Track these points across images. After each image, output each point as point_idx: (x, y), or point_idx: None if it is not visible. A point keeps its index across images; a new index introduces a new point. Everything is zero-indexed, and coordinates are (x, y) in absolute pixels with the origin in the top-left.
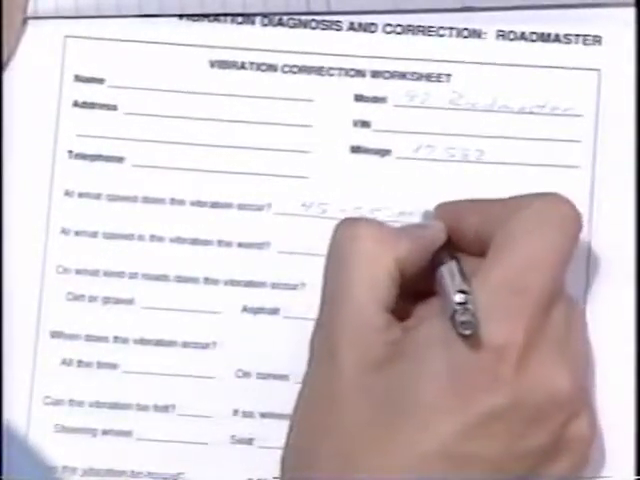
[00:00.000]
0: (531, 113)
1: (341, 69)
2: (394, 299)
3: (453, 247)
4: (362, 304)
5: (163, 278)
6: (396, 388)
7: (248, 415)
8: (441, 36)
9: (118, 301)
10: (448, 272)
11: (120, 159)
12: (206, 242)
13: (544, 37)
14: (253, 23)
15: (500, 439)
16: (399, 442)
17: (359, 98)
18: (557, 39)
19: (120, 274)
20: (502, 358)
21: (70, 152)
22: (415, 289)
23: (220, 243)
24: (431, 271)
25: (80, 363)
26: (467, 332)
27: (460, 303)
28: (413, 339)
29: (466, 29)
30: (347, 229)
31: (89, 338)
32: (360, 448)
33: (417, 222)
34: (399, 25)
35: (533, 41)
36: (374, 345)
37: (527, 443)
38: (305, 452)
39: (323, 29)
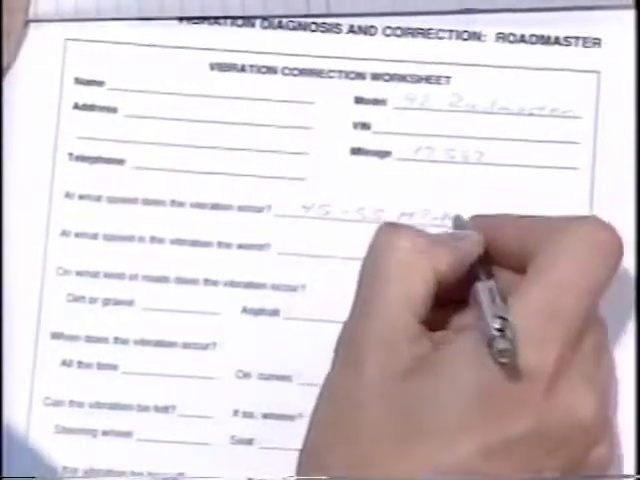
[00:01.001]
0: (531, 115)
1: (341, 71)
2: (428, 310)
3: (490, 261)
4: (396, 313)
5: (163, 279)
6: (420, 401)
7: (248, 416)
8: (441, 38)
9: (118, 302)
10: (487, 292)
11: (120, 161)
12: (206, 244)
13: (544, 39)
14: (253, 26)
15: (519, 462)
16: (415, 456)
17: (359, 100)
18: (557, 41)
19: (120, 275)
20: (532, 384)
21: (70, 154)
22: (448, 299)
23: (220, 244)
24: (465, 282)
25: (80, 364)
26: (504, 360)
27: (498, 329)
28: (444, 354)
29: (466, 31)
30: (386, 236)
31: (89, 339)
32: (375, 458)
33: (453, 231)
34: (399, 28)
35: (533, 43)
36: (403, 355)
37: (545, 467)
38: (319, 456)
39: (323, 32)
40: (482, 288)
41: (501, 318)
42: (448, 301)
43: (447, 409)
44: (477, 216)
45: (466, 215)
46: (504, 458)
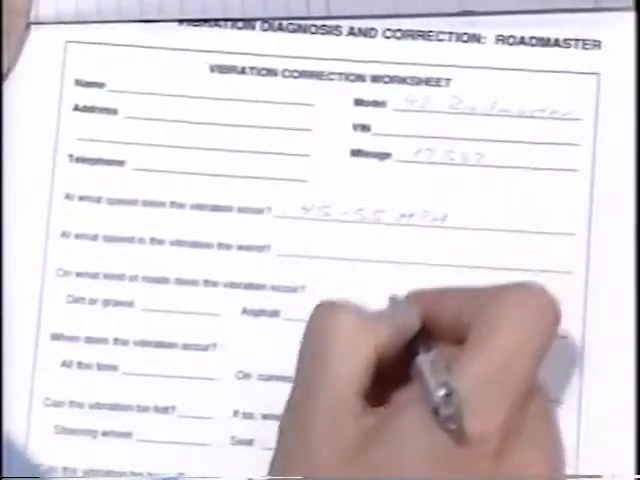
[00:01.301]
0: (531, 117)
1: (341, 74)
2: (370, 385)
3: (428, 334)
4: (340, 391)
5: (163, 280)
6: (374, 476)
7: (248, 416)
8: (440, 41)
9: (118, 303)
10: (428, 363)
11: (120, 163)
12: (206, 245)
13: (543, 41)
14: (253, 28)
15: None
16: None
17: (359, 102)
18: (556, 43)
19: (120, 277)
20: (481, 449)
21: (71, 156)
22: (388, 374)
23: (220, 246)
24: (406, 358)
25: (80, 365)
26: (452, 426)
27: (444, 397)
28: (390, 427)
29: (466, 34)
30: (325, 313)
31: (89, 340)
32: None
33: (391, 307)
34: (399, 30)
35: (532, 45)
36: (349, 431)
37: None
38: None
39: (323, 34)
40: (423, 360)
41: (444, 385)
42: (389, 377)
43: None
44: (415, 290)
45: (465, 214)
46: None
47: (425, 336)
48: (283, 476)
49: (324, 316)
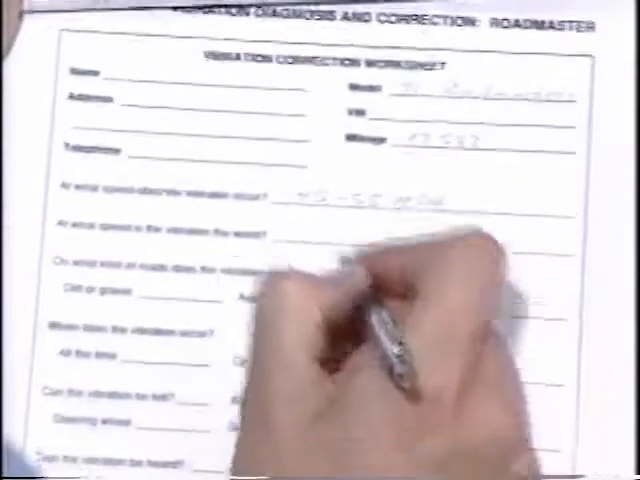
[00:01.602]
0: (526, 100)
1: (335, 58)
2: (323, 350)
3: (378, 291)
4: (293, 359)
5: (160, 268)
6: (336, 443)
7: None
8: (435, 24)
9: (116, 291)
10: (380, 322)
11: (116, 151)
12: (203, 232)
13: (538, 24)
14: (247, 14)
15: None
16: None
17: (354, 87)
18: (551, 26)
19: (117, 264)
20: (440, 404)
21: (66, 144)
22: (343, 337)
23: (217, 232)
24: (359, 320)
25: (78, 353)
26: (406, 384)
27: (397, 355)
28: (349, 391)
29: (460, 17)
30: (270, 284)
31: (87, 328)
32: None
33: (340, 270)
34: (393, 14)
35: (527, 28)
36: (310, 399)
37: None
38: None
39: (317, 19)
40: (375, 319)
41: (397, 343)
42: (347, 342)
43: (364, 446)
44: (361, 250)
45: (461, 198)
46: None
47: (376, 296)
48: (248, 453)
49: (267, 287)
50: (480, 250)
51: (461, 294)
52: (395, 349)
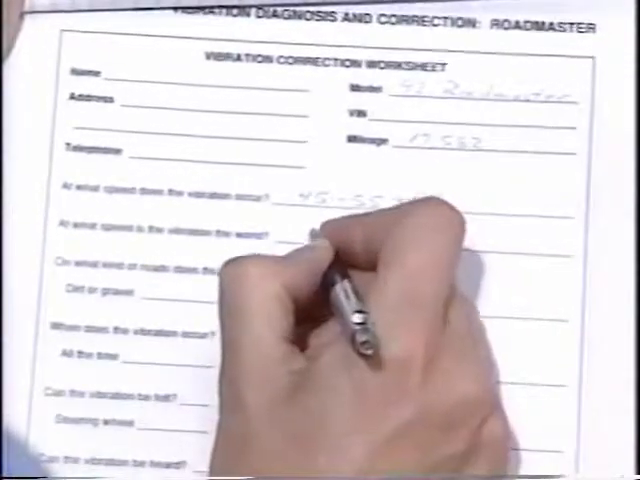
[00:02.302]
0: (527, 101)
1: (336, 59)
2: (291, 328)
3: (343, 265)
4: (259, 339)
5: (162, 269)
6: (306, 419)
7: None
8: (435, 25)
9: (118, 292)
10: (342, 293)
11: (117, 151)
12: (205, 232)
13: (538, 25)
14: (248, 15)
15: (414, 452)
16: (314, 472)
17: (355, 88)
18: (551, 27)
19: (119, 265)
20: (406, 372)
21: (68, 144)
22: (313, 313)
23: (218, 233)
24: (325, 293)
25: (81, 354)
26: (368, 352)
27: (358, 323)
28: (316, 367)
29: (460, 18)
30: (230, 268)
31: (89, 329)
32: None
33: (304, 245)
34: (393, 15)
35: (527, 29)
36: (277, 378)
37: (441, 452)
38: None
39: (318, 20)
40: (338, 290)
41: (359, 312)
42: (315, 316)
43: (331, 419)
44: (324, 223)
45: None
46: (398, 450)
47: (339, 267)
48: (223, 433)
49: (229, 270)
50: (437, 215)
51: (420, 258)
52: (355, 318)
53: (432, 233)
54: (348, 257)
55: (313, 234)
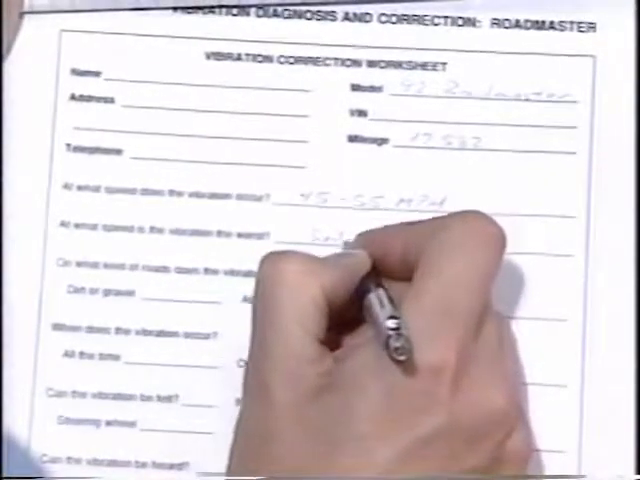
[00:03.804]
0: (527, 100)
1: (337, 59)
2: (324, 330)
3: (379, 274)
4: (291, 337)
5: (163, 269)
6: (332, 419)
7: None
8: (436, 25)
9: (119, 293)
10: (377, 300)
11: (118, 151)
12: (206, 233)
13: (539, 24)
14: (248, 14)
15: (438, 460)
16: (335, 472)
17: (355, 88)
18: (552, 26)
19: (120, 266)
20: (437, 380)
21: (68, 145)
22: (344, 319)
23: (219, 234)
24: (359, 300)
25: (82, 355)
26: (402, 358)
27: (393, 329)
28: (346, 368)
29: (461, 17)
30: (271, 263)
31: (91, 330)
32: (302, 476)
33: (342, 251)
34: (394, 14)
35: (528, 28)
36: (306, 377)
37: (465, 463)
38: None
39: (318, 19)
40: (373, 297)
41: (393, 317)
42: (347, 323)
43: (358, 421)
44: (362, 233)
45: (463, 199)
46: (422, 458)
47: (376, 277)
48: (246, 430)
49: (269, 265)
50: (475, 229)
51: (456, 269)
52: (390, 323)
53: (469, 246)
54: (384, 267)
55: (348, 244)
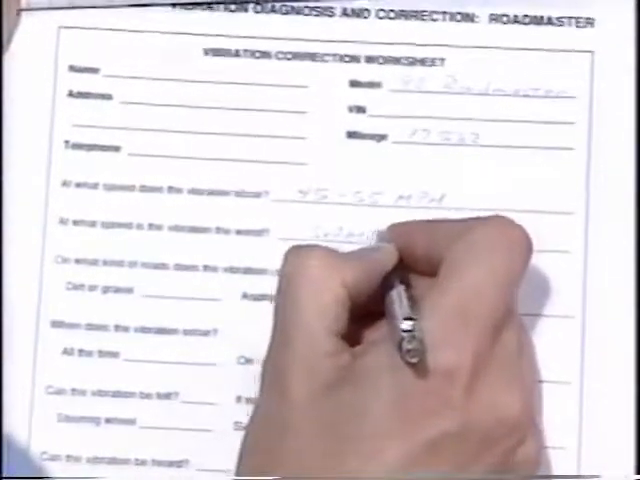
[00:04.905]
0: (525, 96)
1: (335, 55)
2: (344, 324)
3: (405, 269)
4: (311, 330)
5: (162, 266)
6: (345, 415)
7: (251, 402)
8: (434, 20)
9: (118, 290)
10: (396, 297)
11: (116, 148)
12: (204, 230)
13: (537, 20)
14: (246, 10)
15: (447, 464)
16: (344, 470)
17: (354, 84)
18: (550, 22)
19: (119, 263)
20: (451, 383)
21: (66, 142)
22: (369, 311)
23: (218, 230)
24: (383, 294)
25: (81, 352)
26: (413, 360)
27: (407, 330)
28: (361, 365)
29: (459, 13)
30: (294, 258)
31: (90, 327)
32: (308, 477)
33: (370, 245)
34: (392, 10)
35: (526, 24)
36: (323, 370)
37: (474, 467)
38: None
39: (316, 15)
40: (393, 295)
41: (409, 319)
42: (370, 316)
43: (368, 419)
44: (392, 225)
45: (462, 195)
46: (432, 460)
47: (401, 271)
48: (260, 421)
49: (292, 259)
50: (502, 234)
51: (479, 273)
52: (405, 325)
53: (494, 251)
54: (409, 260)
55: (380, 235)
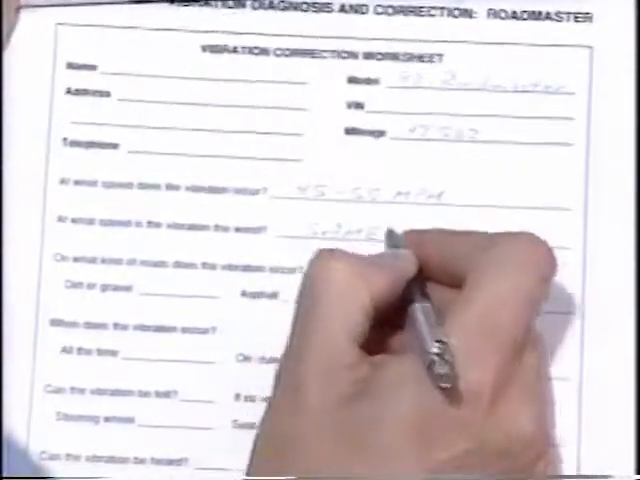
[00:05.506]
0: (524, 91)
1: (333, 51)
2: (366, 333)
3: (424, 278)
4: (334, 340)
5: (161, 264)
6: (361, 427)
7: (250, 399)
8: (432, 16)
9: (117, 288)
10: (423, 314)
11: (115, 145)
12: (203, 227)
13: (535, 15)
14: (244, 7)
15: None
16: None
17: (352, 80)
18: (548, 17)
19: (118, 261)
20: (473, 405)
21: (65, 139)
22: (387, 319)
23: (217, 228)
24: (401, 303)
25: (80, 350)
26: (445, 385)
27: (438, 354)
28: (381, 378)
29: (457, 9)
30: (321, 261)
31: (88, 325)
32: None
33: (388, 251)
34: (390, 6)
35: (524, 19)
36: (342, 382)
37: None
38: None
39: (314, 11)
40: (418, 310)
41: (440, 342)
42: (385, 322)
43: (385, 434)
44: (410, 232)
45: (461, 191)
46: (448, 477)
47: (422, 280)
48: (272, 428)
49: (320, 264)
50: (526, 251)
51: (503, 290)
52: (436, 348)
53: (519, 267)
54: (430, 272)
55: (390, 237)
